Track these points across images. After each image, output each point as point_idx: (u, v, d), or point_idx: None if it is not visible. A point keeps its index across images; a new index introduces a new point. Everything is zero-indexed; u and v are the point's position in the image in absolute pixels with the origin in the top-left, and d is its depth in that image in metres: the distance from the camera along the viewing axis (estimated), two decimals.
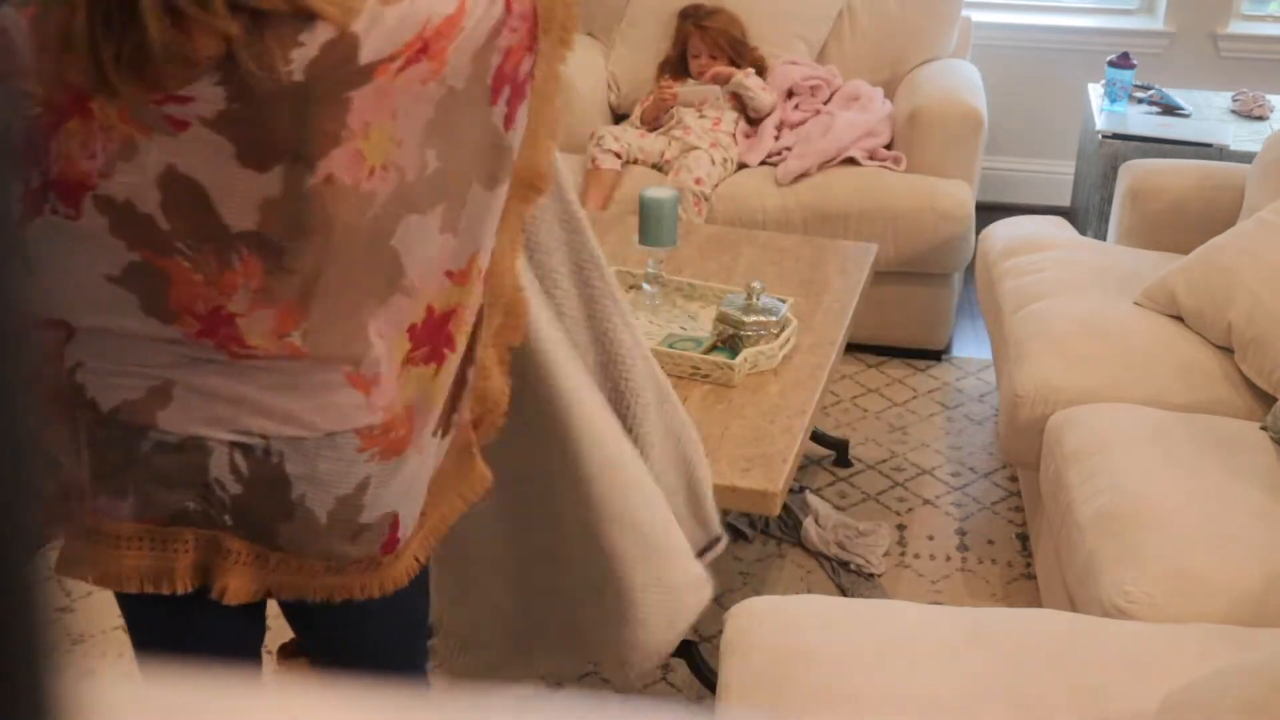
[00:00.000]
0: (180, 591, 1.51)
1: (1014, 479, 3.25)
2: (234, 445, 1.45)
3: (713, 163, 3.73)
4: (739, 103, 3.92)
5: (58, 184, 1.34)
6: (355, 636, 1.65)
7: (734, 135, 3.87)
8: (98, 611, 2.71)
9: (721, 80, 3.93)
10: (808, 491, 3.15)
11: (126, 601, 1.60)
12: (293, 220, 1.34)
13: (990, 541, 3.05)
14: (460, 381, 1.56)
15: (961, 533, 3.08)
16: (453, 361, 1.51)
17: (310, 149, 1.32)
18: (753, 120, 3.93)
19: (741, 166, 3.83)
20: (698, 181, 3.66)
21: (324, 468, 1.46)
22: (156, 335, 1.40)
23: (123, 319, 1.40)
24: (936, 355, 3.85)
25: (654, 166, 3.82)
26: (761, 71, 4.00)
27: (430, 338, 1.47)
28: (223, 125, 1.31)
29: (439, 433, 1.55)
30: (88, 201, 1.34)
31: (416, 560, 1.58)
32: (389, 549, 1.53)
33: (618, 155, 3.78)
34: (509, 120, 1.45)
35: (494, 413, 1.64)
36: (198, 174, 1.33)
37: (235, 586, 1.50)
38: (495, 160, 1.46)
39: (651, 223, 2.72)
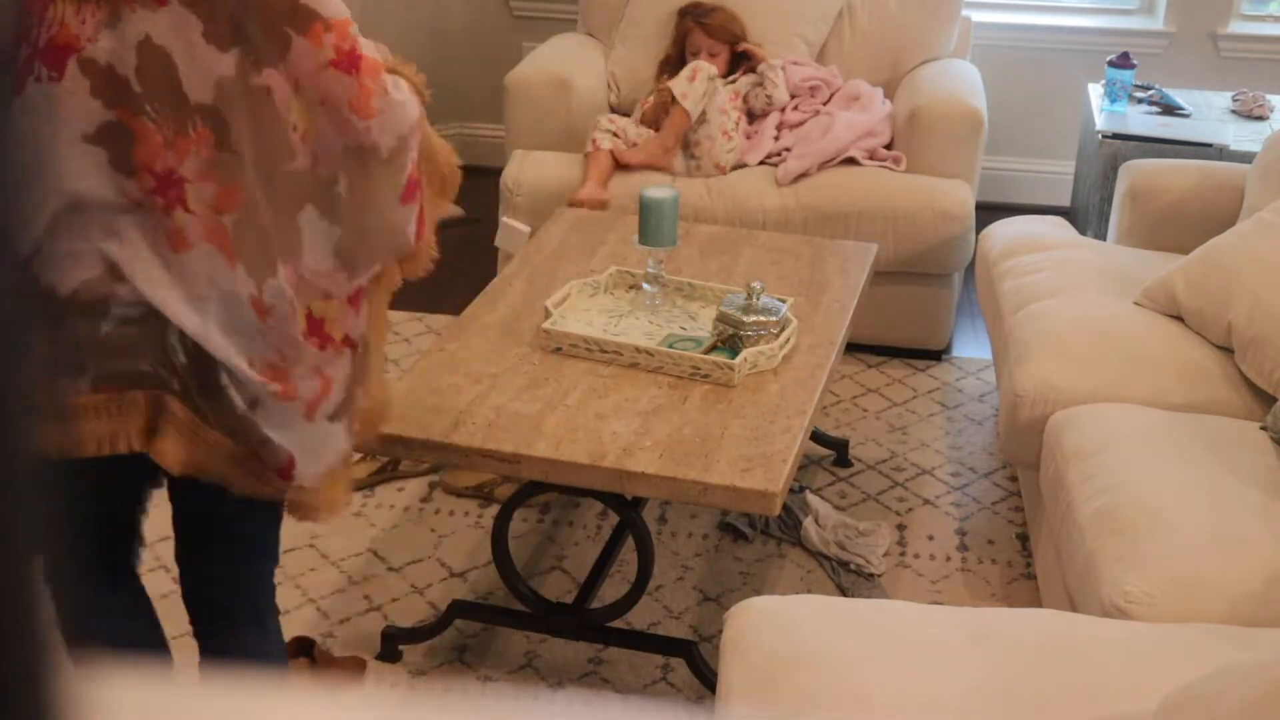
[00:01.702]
0: (129, 450, 1.67)
1: (1014, 479, 3.25)
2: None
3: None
4: (746, 100, 3.93)
5: (46, 50, 1.56)
6: (222, 529, 1.91)
7: (738, 120, 3.90)
8: None
9: (755, 59, 3.94)
10: (808, 491, 3.15)
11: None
12: (238, 102, 1.60)
13: (990, 541, 3.05)
14: (360, 373, 1.80)
15: (961, 533, 3.08)
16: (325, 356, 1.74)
17: (257, 49, 1.60)
18: (756, 115, 3.93)
19: (742, 166, 3.83)
20: (683, 96, 3.74)
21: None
22: (117, 195, 1.59)
23: (94, 179, 1.58)
24: (936, 355, 3.85)
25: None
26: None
27: (315, 331, 1.75)
28: (194, 3, 1.57)
29: (334, 417, 1.77)
30: (73, 64, 1.56)
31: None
32: (284, 477, 1.76)
33: (615, 135, 3.79)
34: (420, 227, 1.80)
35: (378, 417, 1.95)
36: (169, 45, 1.58)
37: (170, 449, 1.67)
38: (399, 247, 1.79)
39: (651, 223, 2.72)
